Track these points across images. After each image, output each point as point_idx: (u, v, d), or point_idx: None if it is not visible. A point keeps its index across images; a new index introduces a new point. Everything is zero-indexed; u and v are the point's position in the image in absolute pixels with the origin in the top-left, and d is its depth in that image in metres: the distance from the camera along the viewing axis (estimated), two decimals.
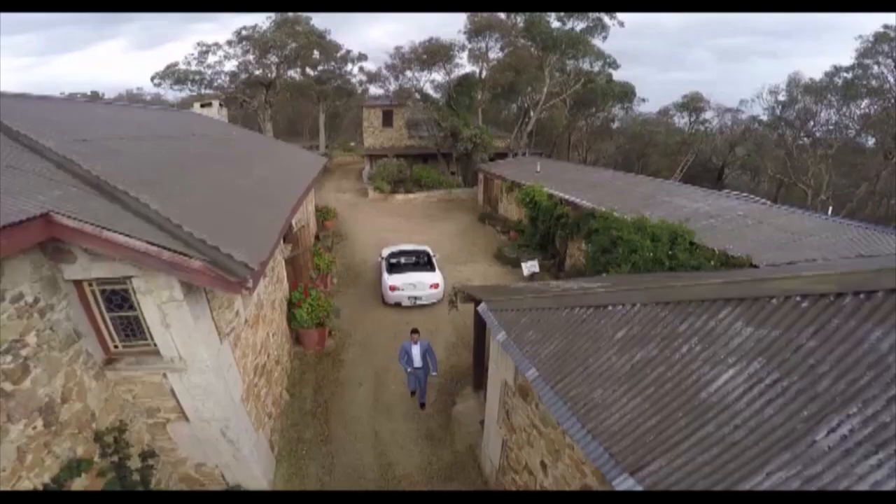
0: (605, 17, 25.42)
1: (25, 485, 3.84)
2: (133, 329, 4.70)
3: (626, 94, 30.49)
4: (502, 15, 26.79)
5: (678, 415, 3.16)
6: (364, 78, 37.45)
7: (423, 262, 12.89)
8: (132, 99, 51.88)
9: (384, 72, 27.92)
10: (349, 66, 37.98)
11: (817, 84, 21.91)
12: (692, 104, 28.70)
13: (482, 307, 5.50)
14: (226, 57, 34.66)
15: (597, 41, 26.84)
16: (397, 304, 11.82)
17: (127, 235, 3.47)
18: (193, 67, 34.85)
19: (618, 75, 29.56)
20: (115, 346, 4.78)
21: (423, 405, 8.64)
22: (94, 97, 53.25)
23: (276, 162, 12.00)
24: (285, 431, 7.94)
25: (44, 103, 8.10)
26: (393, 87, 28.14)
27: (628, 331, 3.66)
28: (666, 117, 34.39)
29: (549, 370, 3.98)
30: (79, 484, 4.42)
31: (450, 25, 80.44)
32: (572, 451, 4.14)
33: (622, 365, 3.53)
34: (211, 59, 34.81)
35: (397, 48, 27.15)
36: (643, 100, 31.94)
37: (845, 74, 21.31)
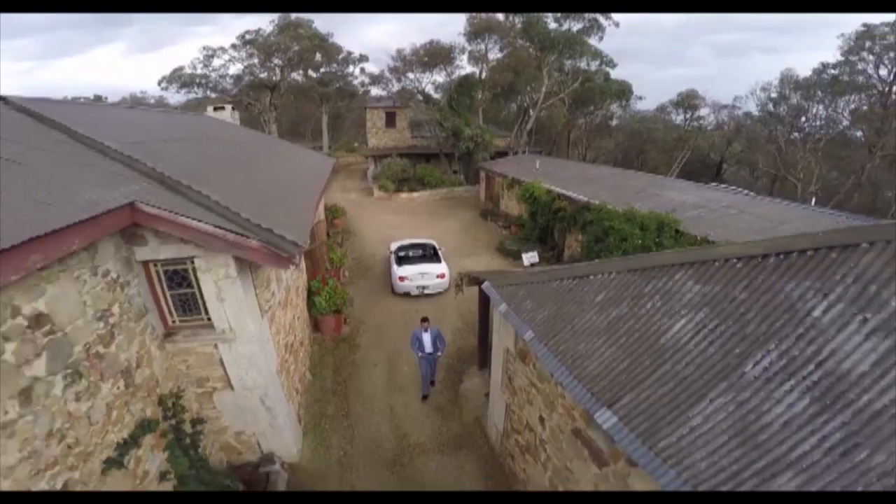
0: (601, 18, 26.22)
1: (111, 438, 4.59)
2: (189, 305, 5.53)
3: (623, 92, 31.29)
4: (500, 17, 27.62)
5: (643, 358, 3.97)
6: (366, 79, 38.45)
7: (429, 254, 13.73)
8: (136, 102, 52.85)
9: (387, 74, 28.78)
10: (350, 68, 38.97)
11: (806, 81, 22.74)
12: (687, 101, 29.51)
13: (486, 285, 6.32)
14: (230, 60, 35.51)
15: (593, 41, 27.66)
16: (406, 294, 12.66)
17: (198, 220, 4.29)
18: (199, 71, 35.77)
19: (616, 73, 30.38)
20: (173, 321, 5.61)
21: (433, 383, 9.42)
22: (97, 101, 54.27)
23: (293, 162, 12.89)
24: (309, 407, 8.76)
25: (74, 108, 8.89)
26: (395, 88, 29.06)
27: (606, 294, 4.47)
28: (664, 114, 35.21)
29: (542, 331, 4.79)
30: (147, 441, 5.19)
31: (449, 25, 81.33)
32: (564, 399, 4.95)
33: (601, 322, 4.34)
34: (216, 62, 35.67)
35: (399, 51, 28.08)
36: (640, 97, 32.79)
37: (832, 71, 22.09)
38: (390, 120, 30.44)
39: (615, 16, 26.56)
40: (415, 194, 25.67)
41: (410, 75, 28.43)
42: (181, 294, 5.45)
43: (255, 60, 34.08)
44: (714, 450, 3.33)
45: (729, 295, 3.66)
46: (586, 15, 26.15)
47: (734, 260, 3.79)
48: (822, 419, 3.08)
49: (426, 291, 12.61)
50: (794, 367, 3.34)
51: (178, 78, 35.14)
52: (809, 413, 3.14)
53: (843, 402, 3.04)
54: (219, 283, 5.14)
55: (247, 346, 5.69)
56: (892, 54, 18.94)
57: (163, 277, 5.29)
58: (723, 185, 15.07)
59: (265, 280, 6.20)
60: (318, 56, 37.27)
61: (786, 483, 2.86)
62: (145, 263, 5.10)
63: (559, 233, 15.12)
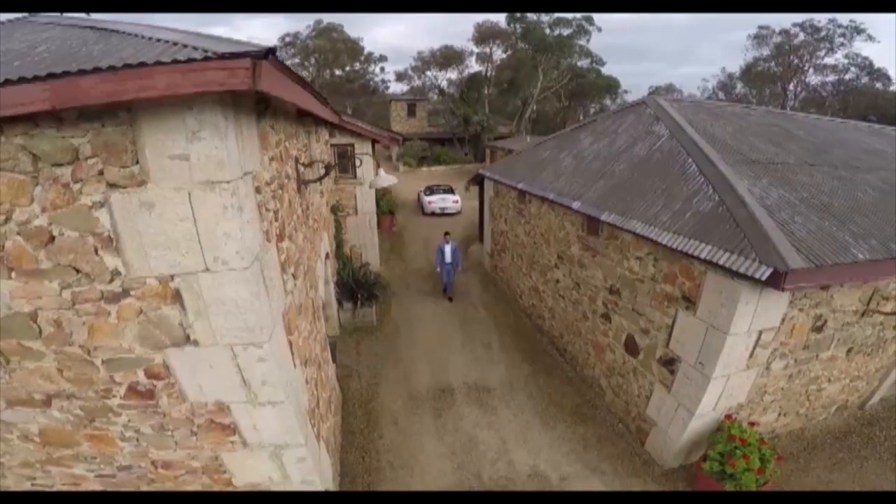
0: (585, 24, 33.77)
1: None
2: (345, 168, 12.94)
3: (610, 87, 38.74)
4: (503, 24, 35.37)
5: (535, 170, 11.33)
6: (386, 77, 46.51)
7: (447, 189, 21.36)
8: None
9: (410, 72, 36.67)
10: (371, 67, 46.96)
11: (744, 73, 30.12)
12: (656, 95, 36.79)
13: (480, 171, 13.73)
14: None
15: (582, 42, 35.19)
16: (432, 213, 20.22)
17: (364, 126, 11.73)
18: None
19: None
20: (337, 176, 13.01)
21: (450, 299, 12.58)
22: None
23: None
24: (381, 255, 16.17)
25: None
26: (417, 83, 36.89)
27: (526, 155, 11.83)
28: None
29: (501, 173, 12.20)
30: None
31: (453, 25, 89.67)
32: (512, 198, 12.31)
33: (523, 164, 11.72)
34: None
35: (419, 52, 35.98)
36: (626, 91, 40.24)
37: (769, 64, 29.36)
38: (411, 111, 38.23)
39: (597, 20, 34.15)
40: (433, 168, 33.25)
41: (429, 73, 36.24)
42: (342, 162, 12.89)
43: (296, 60, 42.22)
44: (557, 180, 10.66)
45: (564, 143, 11.06)
46: (573, 22, 33.73)
47: (568, 131, 11.18)
48: (575, 164, 10.35)
49: (446, 211, 20.14)
50: (572, 152, 10.62)
51: None
52: (572, 162, 10.40)
53: (582, 159, 10.36)
54: (362, 157, 12.56)
55: (368, 190, 13.10)
56: (805, 52, 26.22)
57: (336, 153, 12.72)
58: None
59: (372, 162, 13.66)
60: (345, 56, 45.22)
61: (568, 182, 10.17)
62: (333, 145, 12.52)
63: None
